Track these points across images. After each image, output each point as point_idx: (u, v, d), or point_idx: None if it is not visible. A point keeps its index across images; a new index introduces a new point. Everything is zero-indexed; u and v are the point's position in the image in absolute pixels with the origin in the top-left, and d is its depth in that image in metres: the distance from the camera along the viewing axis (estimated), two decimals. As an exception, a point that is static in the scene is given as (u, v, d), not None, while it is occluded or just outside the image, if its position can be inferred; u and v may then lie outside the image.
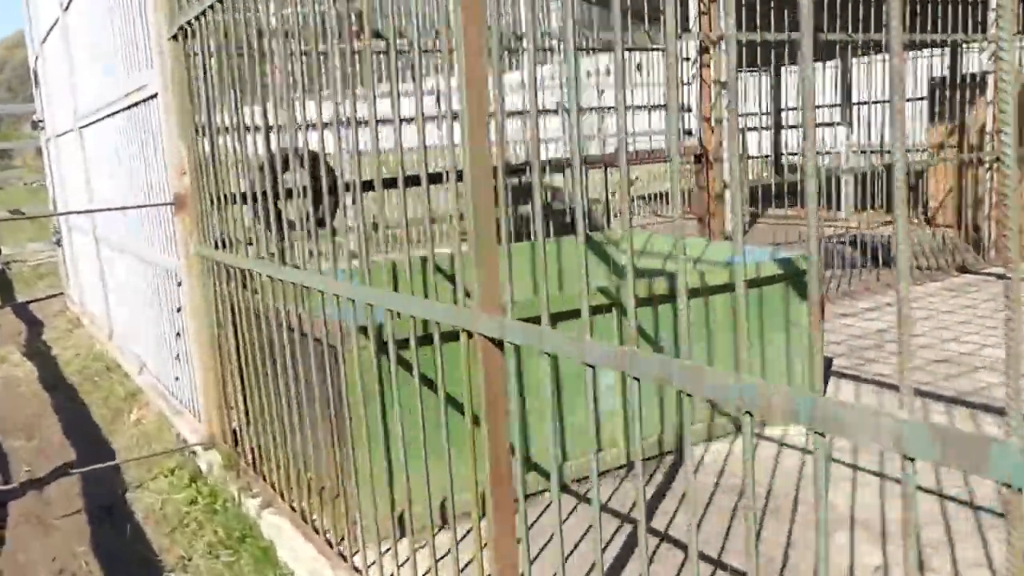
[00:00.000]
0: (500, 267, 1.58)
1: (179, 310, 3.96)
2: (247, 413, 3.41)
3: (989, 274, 6.42)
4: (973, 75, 6.90)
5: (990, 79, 6.35)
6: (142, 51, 3.86)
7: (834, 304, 5.58)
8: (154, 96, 3.70)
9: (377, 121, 2.12)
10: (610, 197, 5.49)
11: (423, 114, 1.98)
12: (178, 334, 4.08)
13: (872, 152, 7.38)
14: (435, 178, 4.82)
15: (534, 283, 4.35)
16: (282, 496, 3.00)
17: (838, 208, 8.75)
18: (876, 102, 7.00)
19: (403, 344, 2.60)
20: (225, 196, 3.27)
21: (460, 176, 1.65)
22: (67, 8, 5.91)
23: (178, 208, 3.54)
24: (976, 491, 2.78)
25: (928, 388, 3.74)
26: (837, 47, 5.98)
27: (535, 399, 2.87)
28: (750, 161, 10.55)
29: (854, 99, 8.59)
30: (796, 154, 7.58)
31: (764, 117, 10.03)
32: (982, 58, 6.82)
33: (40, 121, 8.90)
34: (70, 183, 7.22)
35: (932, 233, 6.97)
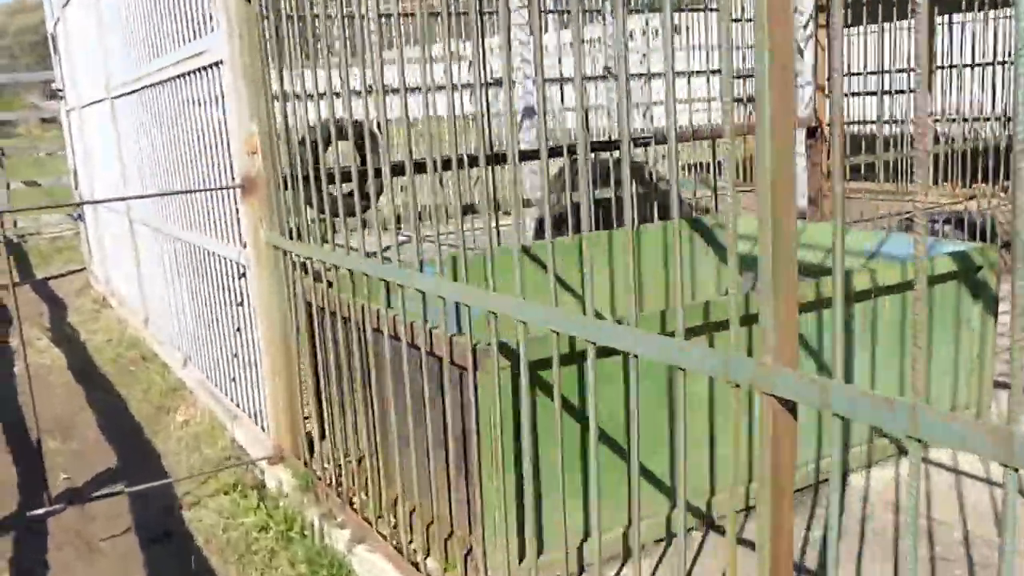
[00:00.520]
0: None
1: (240, 304, 3.54)
2: (326, 427, 3.00)
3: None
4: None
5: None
6: (199, 12, 3.41)
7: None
8: (216, 64, 3.26)
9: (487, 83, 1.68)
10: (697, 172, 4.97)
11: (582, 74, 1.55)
12: (238, 330, 3.66)
13: (954, 120, 6.90)
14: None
15: (610, 279, 3.91)
16: (377, 530, 2.59)
17: (909, 181, 8.20)
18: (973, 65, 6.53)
19: (541, 363, 2.18)
20: (306, 177, 2.83)
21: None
22: (98, -33, 5.44)
23: (246, 191, 3.10)
24: None
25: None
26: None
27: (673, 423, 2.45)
28: (857, 131, 9.94)
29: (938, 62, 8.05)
30: (896, 121, 7.01)
31: (872, 79, 9.20)
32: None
33: (60, 90, 8.44)
34: (97, 157, 6.77)
35: None
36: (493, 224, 2.15)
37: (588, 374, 1.70)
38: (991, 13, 6.42)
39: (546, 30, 9.70)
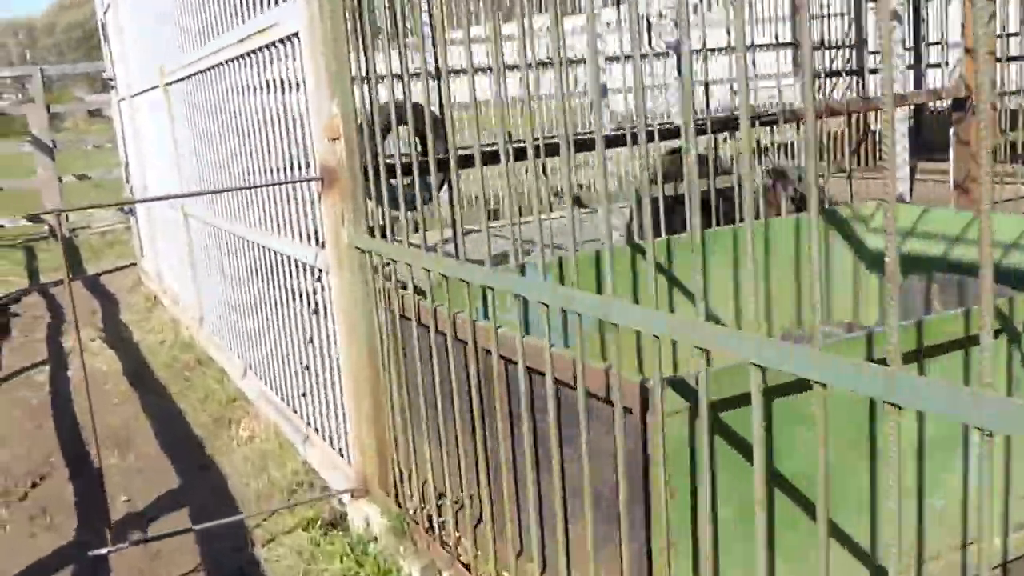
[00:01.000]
0: None
1: (315, 312, 3.13)
2: (417, 458, 2.58)
3: None
4: None
5: None
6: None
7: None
8: (289, 38, 2.84)
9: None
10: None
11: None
12: (310, 341, 3.25)
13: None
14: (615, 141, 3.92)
15: (735, 280, 3.44)
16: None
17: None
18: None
19: (728, 403, 1.73)
20: (408, 166, 2.40)
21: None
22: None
23: (327, 185, 2.69)
24: None
25: None
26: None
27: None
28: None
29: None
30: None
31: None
32: None
33: (111, 79, 8.15)
34: (150, 148, 6.44)
35: None
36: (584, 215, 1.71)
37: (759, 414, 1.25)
38: None
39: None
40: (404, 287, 2.62)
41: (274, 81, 3.17)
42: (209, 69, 4.06)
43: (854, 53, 10.63)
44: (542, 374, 1.88)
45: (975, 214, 3.38)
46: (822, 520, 1.29)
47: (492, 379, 2.12)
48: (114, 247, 10.43)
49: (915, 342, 1.86)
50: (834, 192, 4.53)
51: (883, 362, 1.14)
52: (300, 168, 3.02)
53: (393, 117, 2.72)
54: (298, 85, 2.89)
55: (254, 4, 3.20)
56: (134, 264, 8.71)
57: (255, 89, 3.43)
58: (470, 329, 2.18)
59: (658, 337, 1.54)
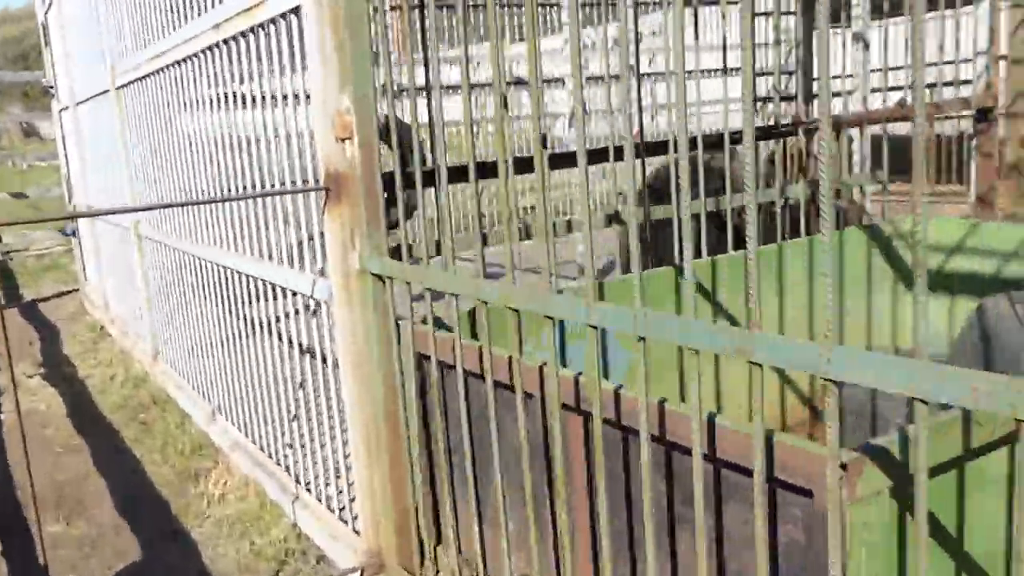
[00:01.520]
0: None
1: (309, 352, 2.60)
2: (459, 533, 2.06)
3: None
4: None
5: None
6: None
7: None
8: (286, 15, 2.33)
9: None
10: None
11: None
12: (301, 385, 2.72)
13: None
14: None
15: (779, 304, 3.02)
16: None
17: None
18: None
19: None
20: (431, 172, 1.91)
21: None
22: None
23: (333, 196, 2.17)
24: None
25: None
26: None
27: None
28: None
29: None
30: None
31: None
32: None
33: (51, 87, 7.48)
34: (95, 162, 5.81)
35: None
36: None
37: None
38: None
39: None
40: (430, 322, 2.12)
41: (262, 74, 2.64)
42: (172, 65, 3.51)
43: (793, 77, 10.55)
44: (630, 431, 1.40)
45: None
46: None
47: (565, 437, 1.63)
48: (52, 271, 9.66)
49: None
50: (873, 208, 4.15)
51: None
52: (296, 180, 2.50)
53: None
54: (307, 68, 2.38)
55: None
56: (76, 290, 8.01)
57: (235, 86, 2.90)
58: (538, 378, 1.68)
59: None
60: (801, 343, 1.14)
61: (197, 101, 3.28)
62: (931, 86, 4.33)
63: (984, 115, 4.00)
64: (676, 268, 2.70)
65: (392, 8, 7.10)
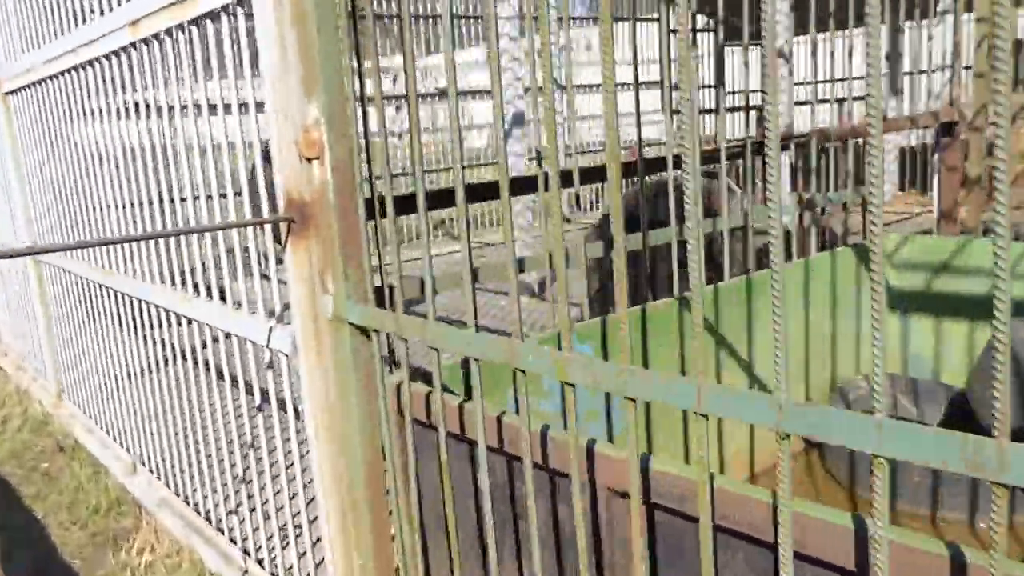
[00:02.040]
0: None
1: (260, 410, 2.19)
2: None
3: None
4: None
5: None
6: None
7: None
8: (229, 8, 1.93)
9: None
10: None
11: None
12: (251, 446, 2.30)
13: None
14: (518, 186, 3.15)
15: (748, 337, 2.75)
16: None
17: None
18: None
19: None
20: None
21: None
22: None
23: (298, 228, 1.78)
24: None
25: None
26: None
27: None
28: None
29: None
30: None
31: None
32: None
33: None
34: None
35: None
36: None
37: None
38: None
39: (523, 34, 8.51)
40: (420, 377, 1.77)
41: (195, 79, 2.22)
42: (75, 69, 3.02)
43: (714, 92, 10.61)
44: (746, 537, 1.08)
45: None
46: None
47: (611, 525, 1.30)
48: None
49: None
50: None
51: None
52: (224, 197, 2.09)
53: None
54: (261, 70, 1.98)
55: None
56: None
57: (150, 94, 2.46)
58: (575, 457, 1.34)
59: None
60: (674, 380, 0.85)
61: (109, 109, 2.81)
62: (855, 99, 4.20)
63: (948, 129, 3.86)
64: (678, 299, 2.40)
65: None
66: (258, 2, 1.74)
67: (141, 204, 2.85)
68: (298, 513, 2.19)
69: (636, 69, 2.51)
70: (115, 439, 3.62)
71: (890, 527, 0.91)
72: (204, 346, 2.46)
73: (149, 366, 3.05)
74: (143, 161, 2.68)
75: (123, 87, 2.65)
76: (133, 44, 2.41)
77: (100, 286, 3.24)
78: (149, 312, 2.85)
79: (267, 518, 2.59)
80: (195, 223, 2.72)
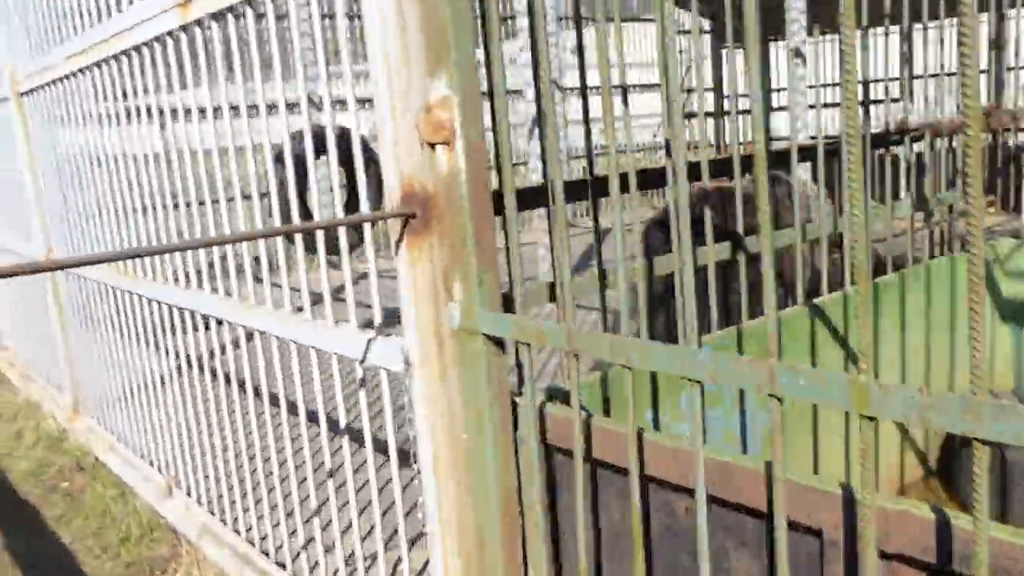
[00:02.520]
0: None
1: (342, 434, 1.93)
2: None
3: None
4: None
5: None
6: None
7: None
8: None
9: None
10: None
11: None
12: (330, 475, 2.04)
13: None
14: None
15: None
16: None
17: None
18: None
19: None
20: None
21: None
22: None
23: (419, 224, 1.53)
24: None
25: None
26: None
27: None
28: None
29: None
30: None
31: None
32: None
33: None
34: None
35: None
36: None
37: None
38: None
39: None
40: (557, 398, 1.53)
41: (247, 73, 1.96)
42: (108, 60, 2.75)
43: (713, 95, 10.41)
44: None
45: None
46: None
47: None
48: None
49: None
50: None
51: None
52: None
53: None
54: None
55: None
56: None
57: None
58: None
59: None
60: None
61: (139, 110, 2.55)
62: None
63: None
64: (810, 307, 2.16)
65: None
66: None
67: (166, 207, 2.60)
68: (396, 548, 1.93)
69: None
70: (143, 458, 3.34)
71: None
72: (249, 360, 2.20)
73: (190, 380, 2.78)
74: (170, 163, 2.43)
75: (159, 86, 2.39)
76: (183, 28, 2.14)
77: (135, 295, 2.97)
78: (183, 318, 2.58)
79: (328, 551, 2.33)
80: (216, 226, 2.47)
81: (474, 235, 1.48)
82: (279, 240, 2.02)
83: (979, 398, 0.84)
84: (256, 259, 5.82)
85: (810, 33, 6.61)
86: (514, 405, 1.55)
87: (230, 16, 2.02)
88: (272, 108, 1.98)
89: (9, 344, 5.46)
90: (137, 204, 2.81)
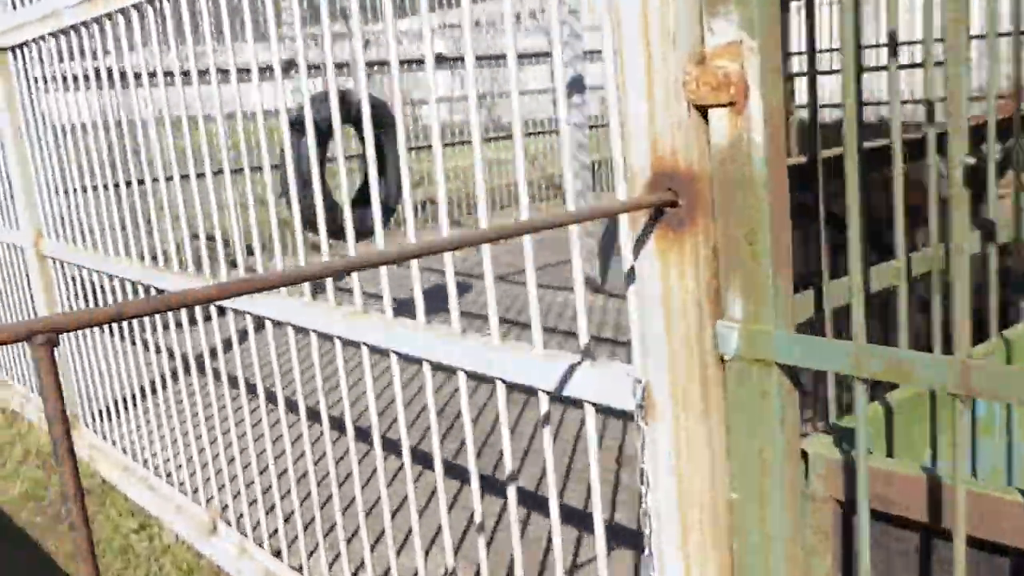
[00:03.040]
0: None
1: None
2: None
3: None
4: None
5: None
6: None
7: None
8: None
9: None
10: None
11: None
12: (481, 528, 1.63)
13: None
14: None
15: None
16: None
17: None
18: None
19: None
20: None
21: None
22: None
23: (684, 214, 1.12)
24: None
25: None
26: None
27: None
28: None
29: None
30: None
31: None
32: None
33: None
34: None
35: None
36: None
37: None
38: None
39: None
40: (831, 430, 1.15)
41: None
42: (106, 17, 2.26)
43: None
44: None
45: None
46: None
47: None
48: None
49: None
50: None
51: None
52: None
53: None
54: None
55: None
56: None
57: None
58: None
59: None
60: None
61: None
62: None
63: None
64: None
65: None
66: None
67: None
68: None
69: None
70: (175, 485, 2.88)
71: None
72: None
73: (248, 403, 2.33)
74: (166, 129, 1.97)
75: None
76: None
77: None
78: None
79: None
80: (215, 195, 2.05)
81: (772, 230, 1.08)
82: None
83: None
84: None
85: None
86: (804, 455, 1.16)
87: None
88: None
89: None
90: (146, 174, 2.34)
